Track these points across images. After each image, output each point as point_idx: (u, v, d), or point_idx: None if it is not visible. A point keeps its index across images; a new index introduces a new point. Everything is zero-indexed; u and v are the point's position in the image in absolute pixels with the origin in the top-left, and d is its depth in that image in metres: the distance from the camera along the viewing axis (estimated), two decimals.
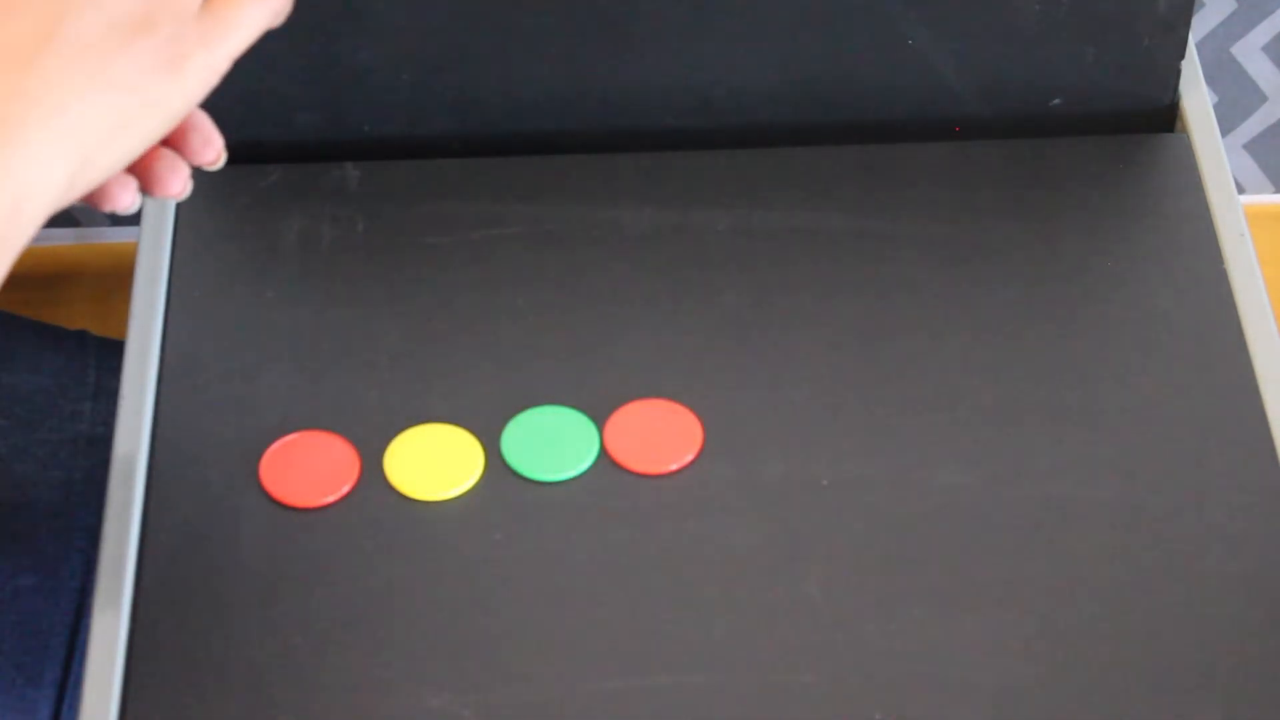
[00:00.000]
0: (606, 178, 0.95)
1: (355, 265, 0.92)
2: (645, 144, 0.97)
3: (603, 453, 0.85)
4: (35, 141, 0.66)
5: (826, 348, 0.89)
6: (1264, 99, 1.36)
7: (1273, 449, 0.85)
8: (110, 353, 1.12)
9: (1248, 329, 0.89)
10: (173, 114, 0.70)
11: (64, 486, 1.05)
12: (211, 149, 0.77)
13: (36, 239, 1.40)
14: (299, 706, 0.78)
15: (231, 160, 0.95)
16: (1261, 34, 1.31)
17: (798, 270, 0.92)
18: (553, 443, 0.85)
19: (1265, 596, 0.81)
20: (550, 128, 0.97)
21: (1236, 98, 1.36)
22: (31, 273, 1.48)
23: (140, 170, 0.75)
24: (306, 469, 0.84)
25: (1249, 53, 1.32)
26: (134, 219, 0.96)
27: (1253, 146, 1.41)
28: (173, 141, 0.77)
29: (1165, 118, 0.98)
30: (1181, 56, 0.96)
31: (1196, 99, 0.98)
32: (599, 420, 0.86)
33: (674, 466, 0.85)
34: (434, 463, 0.85)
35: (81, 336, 1.14)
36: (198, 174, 0.96)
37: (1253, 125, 1.39)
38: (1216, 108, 1.10)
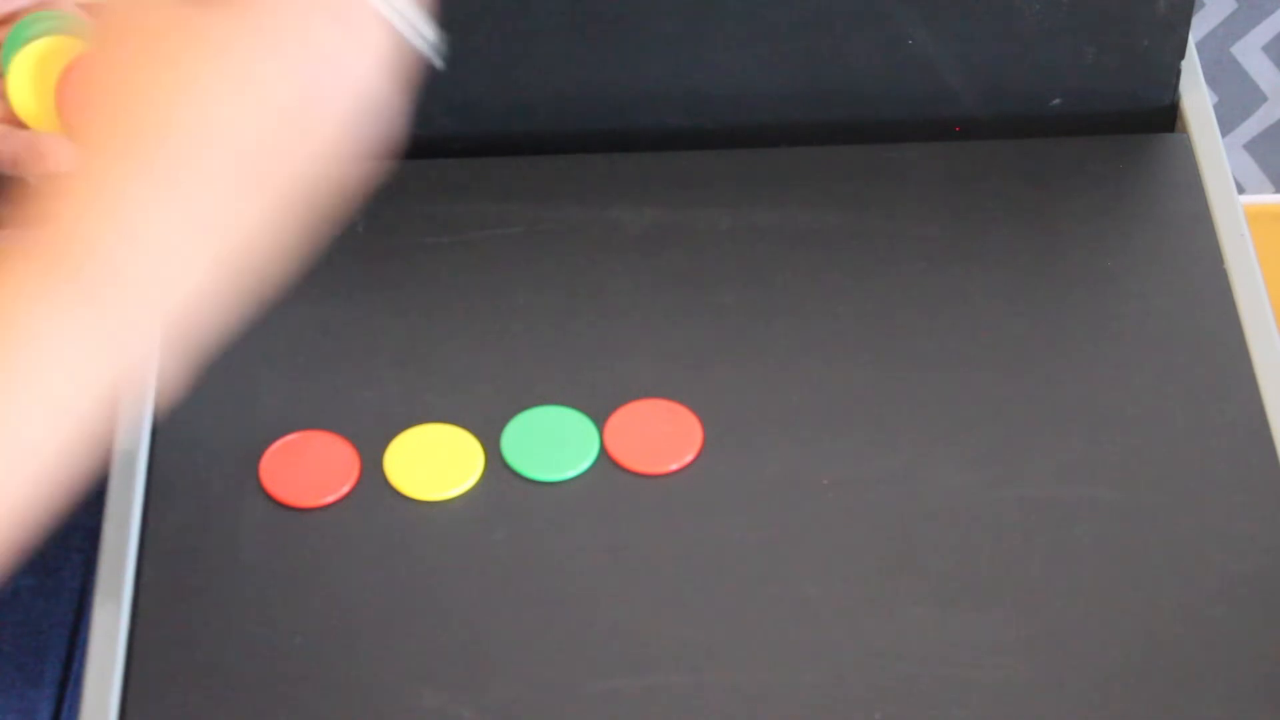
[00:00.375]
0: (606, 178, 0.95)
1: (355, 265, 0.92)
2: (645, 144, 0.97)
3: (603, 453, 0.85)
4: None
5: (826, 348, 0.89)
6: (1264, 99, 1.36)
7: (1273, 449, 0.85)
8: None
9: (1248, 329, 0.89)
10: None
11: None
12: None
13: None
14: (299, 706, 0.78)
15: None
16: (1261, 34, 1.31)
17: (798, 270, 0.92)
18: (553, 443, 0.85)
19: (1265, 596, 0.81)
20: (550, 128, 0.97)
21: (1236, 98, 1.36)
22: None
23: None
24: (306, 469, 0.84)
25: (1249, 53, 1.32)
26: None
27: (1253, 146, 1.41)
28: None
29: (1165, 118, 0.98)
30: (1181, 56, 0.96)
31: (1196, 99, 0.98)
32: (599, 420, 0.86)
33: (674, 466, 0.85)
34: (434, 463, 0.85)
35: None
36: None
37: (1253, 125, 1.39)
38: (1216, 108, 1.10)
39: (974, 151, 0.96)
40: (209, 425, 0.86)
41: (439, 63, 0.68)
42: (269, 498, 0.83)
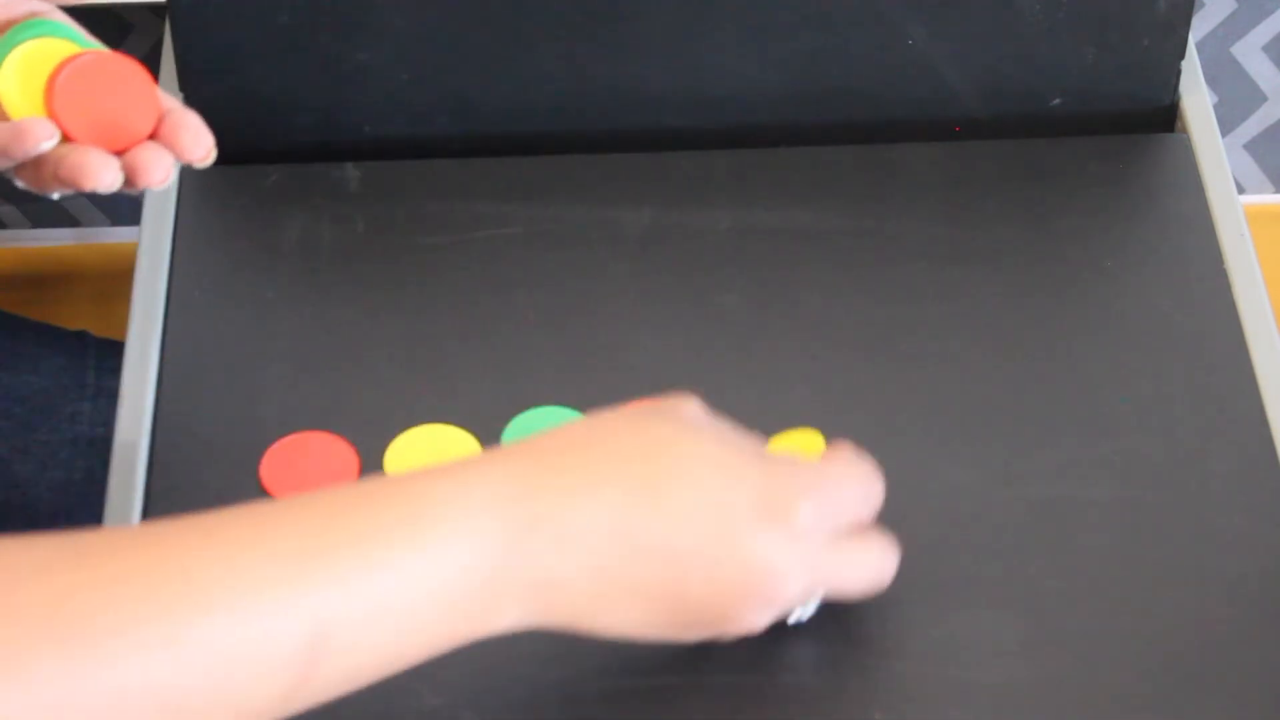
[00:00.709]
0: (606, 178, 0.95)
1: (355, 265, 0.92)
2: (645, 144, 0.97)
3: None
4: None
5: (826, 348, 0.89)
6: (1264, 99, 1.36)
7: (1273, 449, 0.85)
8: (110, 353, 1.12)
9: (1248, 329, 0.89)
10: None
11: (63, 487, 1.05)
12: (201, 146, 0.78)
13: (36, 239, 1.40)
14: None
15: (231, 160, 0.96)
16: (1261, 34, 1.31)
17: (798, 270, 0.92)
18: None
19: (1265, 596, 0.81)
20: (550, 128, 0.97)
21: (1236, 98, 1.36)
22: (31, 273, 1.48)
23: (124, 158, 0.76)
24: (306, 469, 0.84)
25: (1249, 53, 1.32)
26: (134, 218, 0.96)
27: (1253, 146, 1.41)
28: (162, 139, 0.77)
29: (1165, 118, 0.98)
30: (1181, 56, 0.96)
31: (1196, 99, 0.98)
32: None
33: None
34: (433, 463, 0.85)
35: (81, 337, 1.14)
36: (198, 174, 0.96)
37: (1253, 125, 1.39)
38: (1216, 108, 1.10)
39: (974, 151, 0.96)
40: (209, 425, 0.86)
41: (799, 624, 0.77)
42: (269, 498, 0.83)
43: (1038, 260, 0.92)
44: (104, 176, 0.74)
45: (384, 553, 0.66)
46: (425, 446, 0.85)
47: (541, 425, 0.86)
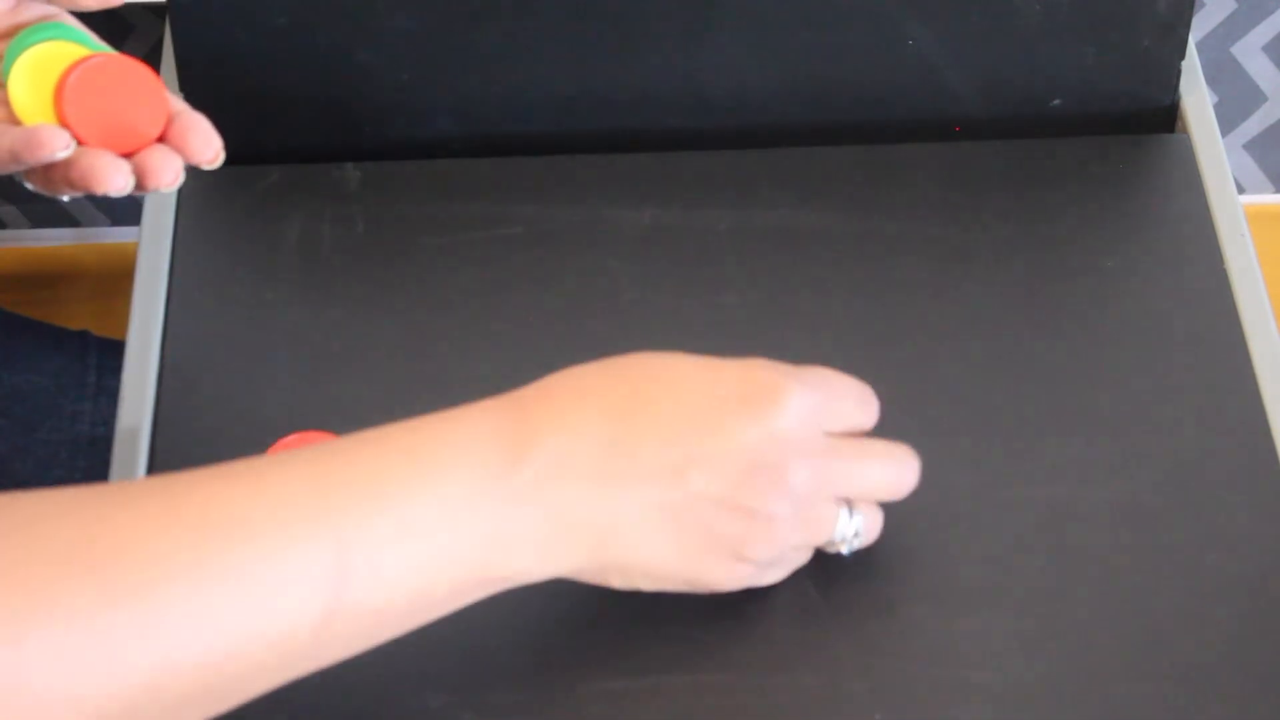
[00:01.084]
0: (606, 178, 0.95)
1: (355, 265, 0.92)
2: (645, 144, 0.97)
3: None
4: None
5: (826, 348, 0.89)
6: (1264, 99, 1.36)
7: (1273, 449, 0.85)
8: (110, 353, 1.12)
9: (1248, 329, 0.89)
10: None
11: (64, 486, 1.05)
12: (210, 148, 0.78)
13: (36, 239, 1.40)
14: (299, 707, 0.78)
15: (231, 160, 0.96)
16: (1261, 34, 1.31)
17: (798, 270, 0.92)
18: None
19: (1265, 596, 0.81)
20: (550, 128, 0.97)
21: (1236, 98, 1.36)
22: (31, 273, 1.48)
23: (134, 160, 0.76)
24: None
25: (1249, 53, 1.32)
26: (134, 218, 0.96)
27: (1253, 146, 1.41)
28: (171, 141, 0.78)
29: (1165, 118, 0.98)
30: (1181, 56, 0.96)
31: (1196, 99, 0.98)
32: None
33: None
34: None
35: (82, 336, 1.14)
36: (198, 174, 0.96)
37: (1253, 125, 1.39)
38: (1216, 108, 1.10)
39: (974, 151, 0.96)
40: (209, 425, 0.86)
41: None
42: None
43: (1038, 260, 0.92)
44: (115, 180, 0.75)
45: (393, 479, 0.69)
46: None
47: None
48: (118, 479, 0.84)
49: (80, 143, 0.76)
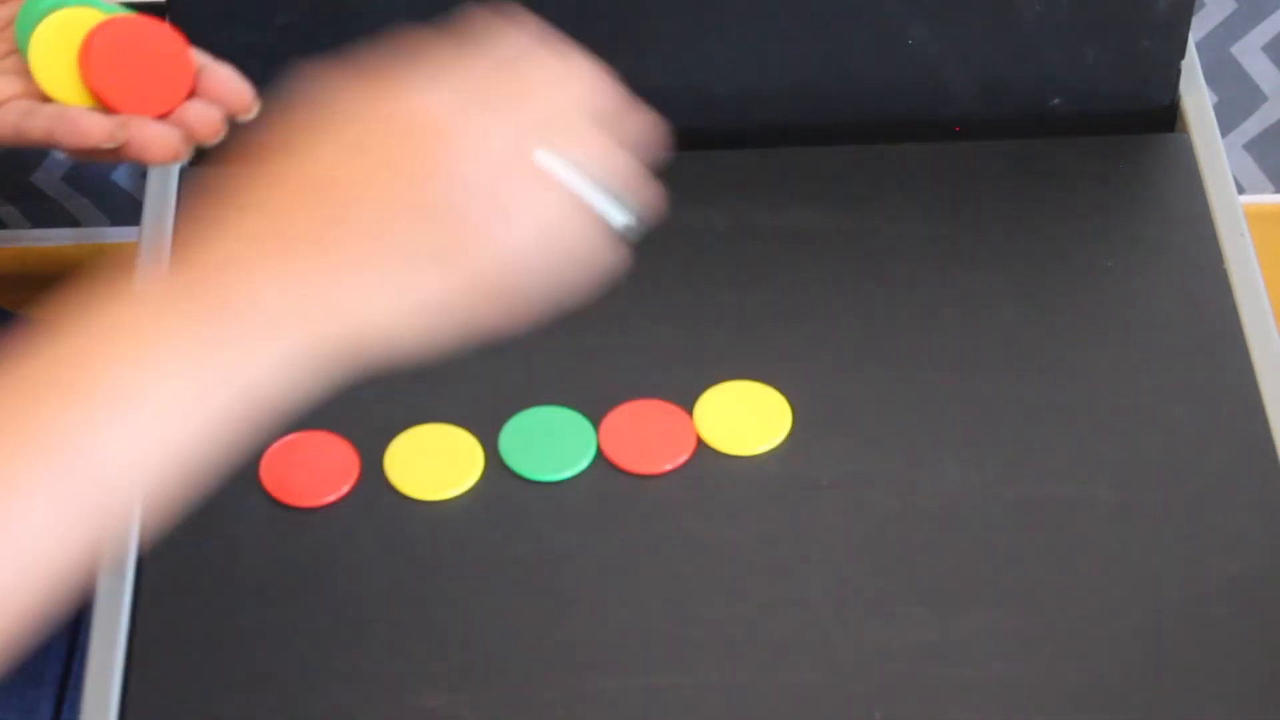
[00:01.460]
0: None
1: None
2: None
3: (599, 453, 0.85)
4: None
5: (825, 348, 0.89)
6: (1264, 99, 1.36)
7: (1273, 449, 0.85)
8: None
9: (1248, 329, 0.89)
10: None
11: None
12: (244, 96, 0.77)
13: (36, 239, 1.40)
14: (299, 706, 0.78)
15: (231, 160, 0.95)
16: (1261, 34, 1.31)
17: (797, 270, 0.91)
18: (550, 443, 0.85)
19: (1265, 596, 0.80)
20: None
21: (1236, 98, 1.36)
22: (31, 273, 1.48)
23: (173, 120, 0.75)
24: (306, 469, 0.84)
25: (1249, 53, 1.32)
26: (134, 218, 0.96)
27: (1253, 146, 1.41)
28: (203, 96, 0.77)
29: (1165, 118, 0.98)
30: (1181, 56, 0.96)
31: (1196, 99, 0.98)
32: (596, 420, 0.86)
33: (668, 467, 0.85)
34: (433, 463, 0.85)
35: None
36: (199, 174, 0.96)
37: (1253, 125, 1.39)
38: (1216, 108, 1.09)
39: (974, 151, 0.96)
40: None
41: (632, 235, 0.69)
42: (269, 498, 0.83)
43: (1038, 260, 0.92)
44: (167, 149, 0.74)
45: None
46: (425, 446, 0.85)
47: (540, 424, 0.86)
48: None
49: (111, 108, 0.75)
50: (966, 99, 0.97)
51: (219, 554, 0.82)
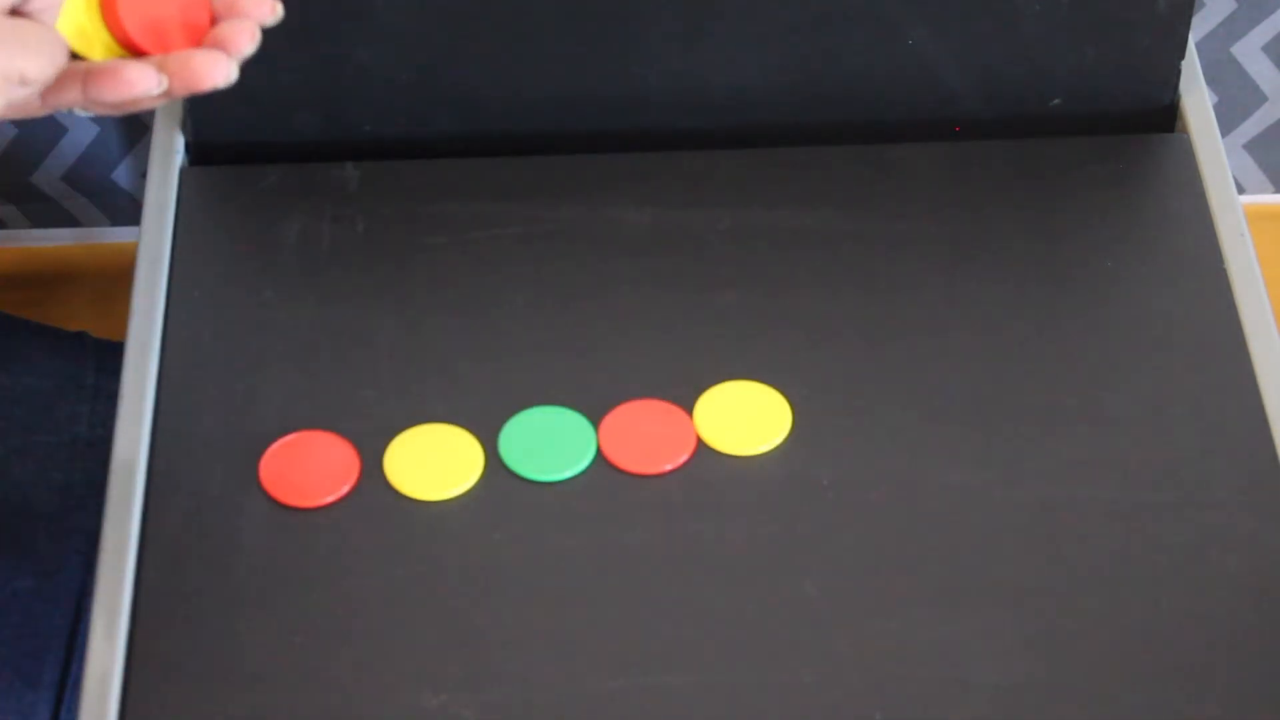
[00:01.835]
0: (606, 178, 0.95)
1: (355, 265, 0.92)
2: (645, 144, 0.97)
3: (599, 453, 0.85)
4: None
5: (826, 348, 0.89)
6: (1264, 99, 1.36)
7: (1273, 449, 0.85)
8: (110, 354, 1.12)
9: (1248, 329, 0.89)
10: None
11: (62, 489, 1.05)
12: (266, 4, 0.77)
13: (36, 239, 1.40)
14: (299, 706, 0.78)
15: (231, 160, 0.96)
16: (1261, 34, 1.31)
17: (797, 270, 0.92)
18: (550, 443, 0.85)
19: (1265, 596, 0.81)
20: (550, 128, 0.97)
21: (1236, 98, 1.36)
22: (31, 273, 1.48)
23: (180, 70, 0.74)
24: (306, 469, 0.84)
25: (1249, 53, 1.32)
26: (134, 218, 0.96)
27: (1253, 146, 1.41)
28: (229, 14, 0.76)
29: (1165, 118, 0.98)
30: (1181, 56, 0.96)
31: (1196, 99, 0.98)
32: (596, 420, 0.86)
33: (668, 467, 0.85)
34: (433, 463, 0.85)
35: (81, 338, 1.14)
36: (198, 174, 0.96)
37: (1252, 125, 1.39)
38: (1216, 108, 1.09)
39: (974, 151, 0.96)
40: (209, 425, 0.86)
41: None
42: (269, 498, 0.83)
43: (1038, 260, 0.92)
44: (218, 73, 0.74)
45: None
46: (425, 446, 0.85)
47: (540, 425, 0.86)
48: (117, 480, 0.84)
49: (142, 53, 0.74)
50: (966, 99, 0.97)
51: (219, 554, 0.82)
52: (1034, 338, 0.89)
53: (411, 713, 0.77)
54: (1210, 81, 1.27)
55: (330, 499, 0.84)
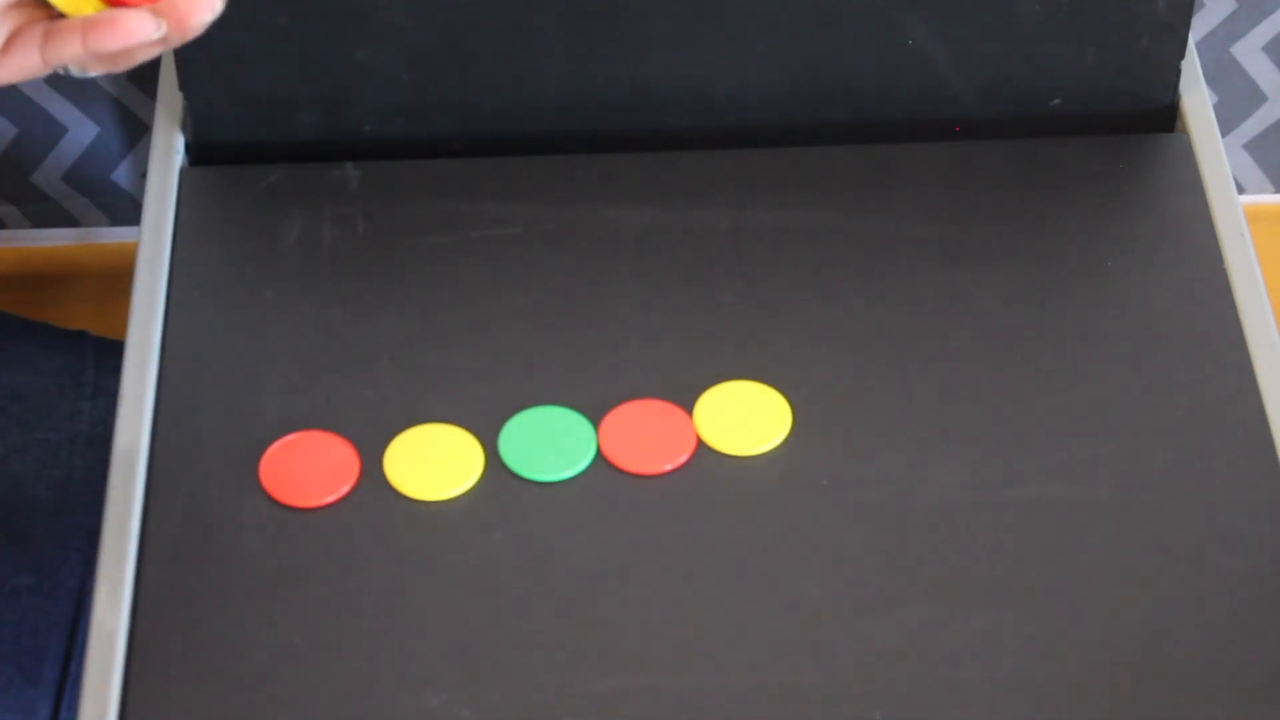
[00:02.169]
0: (606, 178, 0.95)
1: (355, 265, 0.92)
2: (645, 144, 0.97)
3: (599, 453, 0.85)
4: None
5: (826, 348, 0.89)
6: (1264, 99, 1.36)
7: (1273, 449, 0.85)
8: (109, 353, 1.12)
9: (1248, 329, 0.89)
10: None
11: (62, 486, 1.05)
12: None
13: (36, 239, 1.40)
14: (299, 706, 0.78)
15: (231, 160, 0.96)
16: (1261, 34, 1.31)
17: (797, 270, 0.92)
18: (550, 443, 0.85)
19: (1265, 596, 0.81)
20: (550, 128, 0.97)
21: (1236, 98, 1.36)
22: (31, 273, 1.48)
23: (169, 12, 0.74)
24: (306, 469, 0.84)
25: (1249, 53, 1.32)
26: (134, 218, 0.96)
27: (1253, 146, 1.41)
28: None
29: (1165, 118, 0.98)
30: (1181, 56, 0.96)
31: (1196, 99, 0.98)
32: (596, 420, 0.86)
33: (668, 467, 0.85)
34: (433, 463, 0.85)
35: (80, 336, 1.14)
36: (198, 174, 0.96)
37: (1253, 125, 1.39)
38: (1216, 108, 1.09)
39: (974, 151, 0.96)
40: (209, 425, 0.86)
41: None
42: (269, 498, 0.83)
43: (1038, 260, 0.92)
44: (205, 7, 0.74)
45: None
46: (425, 446, 0.85)
47: (540, 425, 0.86)
48: (117, 479, 0.84)
49: (129, 3, 0.74)
50: (966, 99, 0.97)
51: (219, 554, 0.82)
52: (1034, 337, 0.89)
53: (411, 713, 0.77)
54: (1210, 81, 1.27)
55: (330, 499, 0.84)
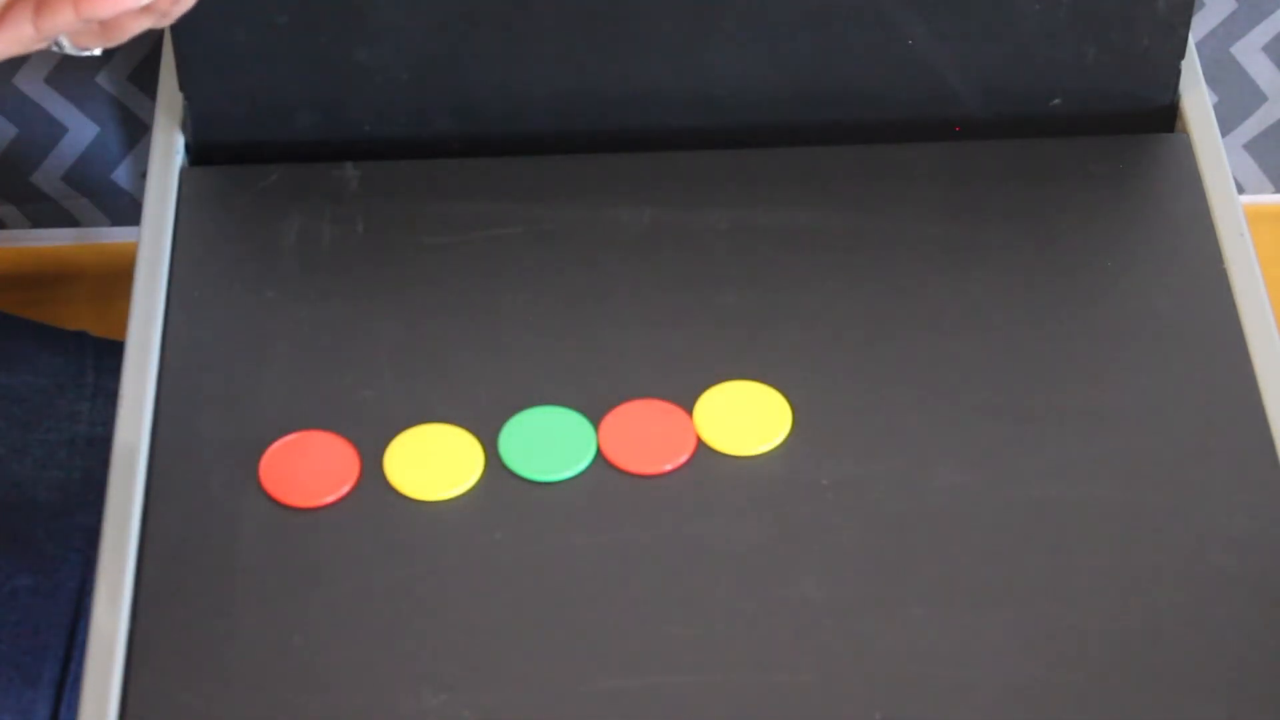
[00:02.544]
0: (606, 178, 0.95)
1: (355, 265, 0.92)
2: (645, 144, 0.97)
3: (599, 453, 0.85)
4: None
5: (826, 348, 0.89)
6: (1264, 99, 1.36)
7: (1273, 449, 0.85)
8: (109, 353, 1.12)
9: (1248, 329, 0.89)
10: None
11: (62, 487, 1.05)
12: None
13: (36, 239, 1.40)
14: (299, 706, 0.78)
15: (231, 160, 0.96)
16: (1261, 34, 1.31)
17: (797, 270, 0.92)
18: (550, 443, 0.85)
19: (1265, 596, 0.81)
20: (550, 128, 0.97)
21: (1236, 98, 1.36)
22: (31, 273, 1.48)
23: None
24: (306, 469, 0.84)
25: (1249, 53, 1.32)
26: (134, 218, 0.96)
27: (1253, 146, 1.41)
28: None
29: (1165, 118, 0.98)
30: (1181, 56, 0.96)
31: (1196, 99, 0.98)
32: (596, 420, 0.86)
33: (668, 467, 0.85)
34: (433, 463, 0.85)
35: (80, 337, 1.14)
36: (198, 174, 0.96)
37: (1253, 125, 1.39)
38: (1216, 108, 1.09)
39: (974, 151, 0.96)
40: (209, 425, 0.86)
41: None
42: (269, 498, 0.83)
43: (1038, 260, 0.92)
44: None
45: None
46: (425, 446, 0.85)
47: (540, 425, 0.86)
48: (117, 479, 0.84)
49: None
50: (967, 99, 0.97)
51: (219, 554, 0.82)
52: (1034, 338, 0.89)
53: (411, 713, 0.77)
54: (1210, 81, 1.27)
55: (330, 499, 0.84)
